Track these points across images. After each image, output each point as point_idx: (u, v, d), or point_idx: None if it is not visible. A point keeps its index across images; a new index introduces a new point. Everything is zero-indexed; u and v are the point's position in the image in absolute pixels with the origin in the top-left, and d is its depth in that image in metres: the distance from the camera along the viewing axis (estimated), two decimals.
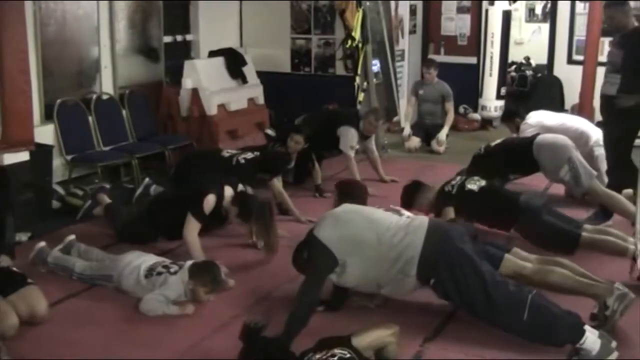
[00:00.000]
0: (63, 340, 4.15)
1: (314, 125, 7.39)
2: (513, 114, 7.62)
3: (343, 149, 7.28)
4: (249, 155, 6.28)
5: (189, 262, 4.69)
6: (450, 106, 9.14)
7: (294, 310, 3.92)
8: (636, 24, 6.07)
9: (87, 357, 3.94)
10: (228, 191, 5.34)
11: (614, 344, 3.67)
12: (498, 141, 6.72)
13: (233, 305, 4.56)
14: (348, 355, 3.36)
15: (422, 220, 4.17)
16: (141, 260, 4.80)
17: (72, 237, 5.30)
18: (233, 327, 4.04)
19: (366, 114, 7.59)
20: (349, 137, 7.27)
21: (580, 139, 6.65)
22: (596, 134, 6.71)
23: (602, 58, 9.07)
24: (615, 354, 3.65)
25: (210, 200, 5.22)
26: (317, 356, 3.38)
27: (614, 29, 6.36)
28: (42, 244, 5.18)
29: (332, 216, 4.21)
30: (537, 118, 7.14)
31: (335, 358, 3.35)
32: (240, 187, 5.53)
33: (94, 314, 4.54)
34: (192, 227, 5.19)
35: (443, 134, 8.91)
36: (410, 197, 5.64)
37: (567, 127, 6.82)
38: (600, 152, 6.48)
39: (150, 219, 5.58)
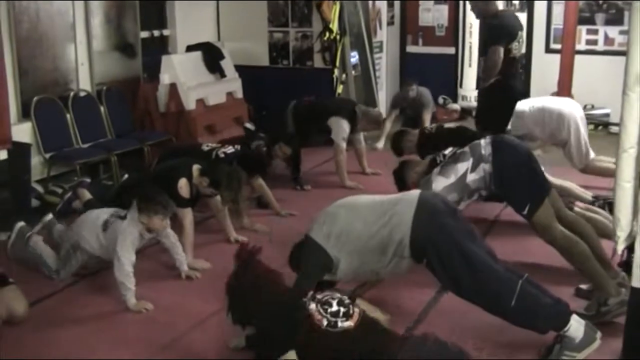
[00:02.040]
0: (43, 339, 4.13)
1: (304, 113, 7.40)
2: None
3: (335, 139, 7.21)
4: (229, 149, 6.26)
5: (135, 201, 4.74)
6: (427, 115, 9.05)
7: None
8: (500, 7, 6.23)
9: (67, 356, 3.93)
10: (195, 167, 5.35)
11: (598, 334, 3.68)
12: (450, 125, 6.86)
13: (213, 300, 4.55)
14: (347, 301, 3.46)
15: (411, 200, 3.94)
16: (95, 215, 4.90)
17: (50, 216, 5.31)
18: (213, 323, 4.06)
19: (367, 112, 7.55)
20: (341, 128, 7.21)
21: (561, 121, 6.48)
22: (578, 115, 6.63)
23: (580, 46, 9.19)
24: (597, 343, 3.66)
25: (183, 185, 5.23)
26: (319, 296, 3.45)
27: (478, 16, 6.61)
28: (22, 223, 5.20)
29: (322, 214, 4.12)
30: None
31: (337, 296, 3.45)
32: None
33: (74, 312, 4.53)
34: (188, 216, 5.26)
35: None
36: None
37: (544, 109, 6.71)
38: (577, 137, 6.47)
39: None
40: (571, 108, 6.59)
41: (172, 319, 4.38)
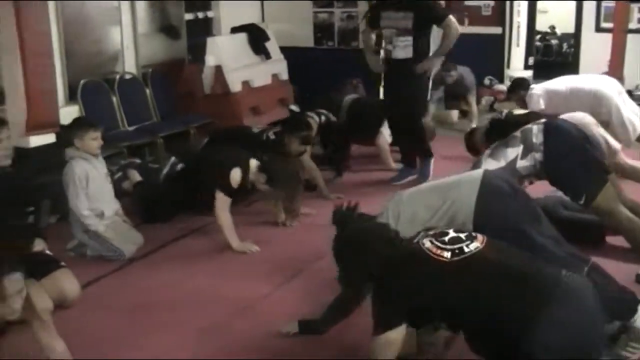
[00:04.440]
0: (90, 323, 4.12)
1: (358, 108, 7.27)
2: (516, 86, 7.40)
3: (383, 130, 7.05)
4: (279, 129, 6.20)
5: None
6: (471, 97, 8.84)
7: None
8: None
9: (113, 340, 3.92)
10: (253, 163, 5.28)
11: None
12: (521, 112, 6.48)
13: (261, 284, 4.50)
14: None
15: (473, 181, 3.75)
16: None
17: None
18: (261, 307, 3.99)
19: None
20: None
21: (598, 102, 6.33)
22: (616, 91, 6.43)
23: (632, 25, 8.93)
24: None
25: (236, 175, 5.17)
26: (431, 232, 3.13)
27: None
28: None
29: (386, 206, 3.98)
30: (544, 85, 6.92)
31: (450, 227, 3.19)
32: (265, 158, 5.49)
33: (121, 295, 4.52)
34: (223, 202, 5.14)
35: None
36: (473, 144, 5.87)
37: (579, 89, 6.51)
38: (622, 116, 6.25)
39: (175, 195, 5.56)
40: (608, 86, 6.40)
41: (219, 302, 4.33)
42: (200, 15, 8.74)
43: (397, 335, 2.98)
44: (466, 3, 10.60)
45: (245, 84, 8.23)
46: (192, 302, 4.35)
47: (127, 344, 3.86)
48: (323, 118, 6.83)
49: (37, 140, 5.99)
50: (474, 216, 3.62)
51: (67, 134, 5.15)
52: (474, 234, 3.09)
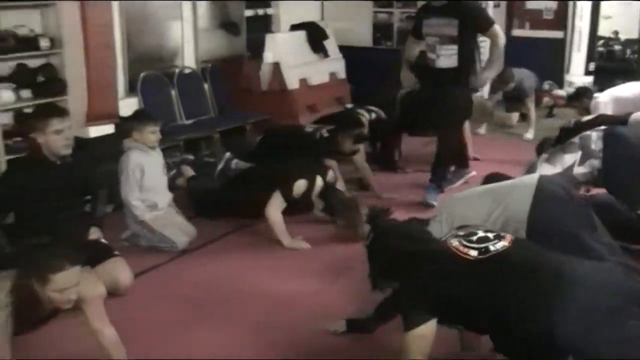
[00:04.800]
0: (143, 313, 4.19)
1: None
2: (580, 94, 7.27)
3: None
4: (331, 127, 6.21)
5: None
6: (530, 102, 8.62)
7: None
8: None
9: (163, 332, 3.96)
10: (319, 181, 5.31)
11: None
12: (589, 117, 6.38)
13: (309, 282, 4.52)
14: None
15: (528, 186, 3.71)
16: None
17: None
18: (307, 304, 4.01)
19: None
20: None
21: None
22: None
23: None
24: None
25: (301, 186, 5.21)
26: (460, 232, 3.12)
27: None
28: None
29: (438, 209, 3.94)
30: (610, 92, 6.78)
31: (479, 227, 3.15)
32: (330, 175, 5.51)
33: (173, 287, 4.59)
34: (277, 204, 5.18)
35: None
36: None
37: None
38: None
39: (234, 194, 5.61)
40: None
41: (267, 297, 4.37)
42: (260, 12, 8.81)
43: (429, 329, 2.97)
44: (527, 6, 10.48)
45: (303, 81, 8.26)
46: (241, 297, 4.39)
47: (175, 335, 3.91)
48: (373, 115, 6.82)
49: (97, 130, 6.10)
50: (528, 221, 3.58)
51: (127, 126, 5.27)
52: (502, 234, 3.07)
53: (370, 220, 3.51)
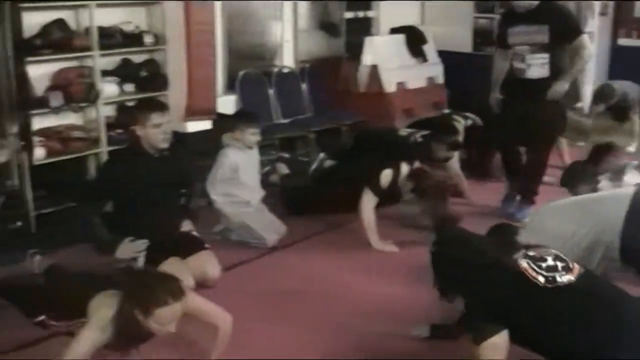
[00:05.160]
0: (226, 306, 4.21)
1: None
2: None
3: None
4: (426, 132, 6.17)
5: None
6: (634, 116, 8.02)
7: None
8: None
9: (243, 326, 3.99)
10: (404, 168, 5.29)
11: None
12: None
13: (395, 284, 4.50)
14: (564, 256, 3.12)
15: (621, 198, 3.60)
16: None
17: None
18: (393, 307, 3.97)
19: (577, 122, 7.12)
20: None
21: None
22: None
23: None
24: None
25: (386, 176, 5.20)
26: (531, 252, 3.10)
27: None
28: None
29: (529, 220, 3.90)
30: None
31: (551, 252, 3.11)
32: (416, 164, 5.48)
33: (259, 283, 4.65)
34: (369, 201, 5.18)
35: None
36: None
37: None
38: None
39: (323, 191, 5.66)
40: None
41: (352, 298, 4.37)
42: (361, 14, 8.82)
43: (502, 339, 2.95)
44: (636, 15, 10.17)
45: (400, 85, 8.23)
46: (325, 297, 4.42)
47: (255, 330, 3.94)
48: (469, 121, 6.74)
49: (194, 126, 6.25)
50: (622, 234, 3.48)
51: (229, 124, 5.35)
52: (570, 264, 3.05)
53: (436, 227, 3.49)
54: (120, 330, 3.10)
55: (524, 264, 3.02)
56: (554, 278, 2.95)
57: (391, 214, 5.66)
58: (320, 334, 3.95)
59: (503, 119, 5.95)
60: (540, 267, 3.00)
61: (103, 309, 3.11)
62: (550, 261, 3.03)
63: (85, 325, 3.12)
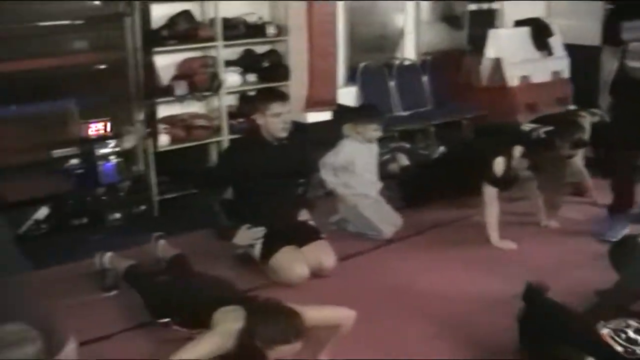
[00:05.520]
0: (340, 296, 4.20)
1: None
2: None
3: None
4: (550, 128, 5.99)
5: None
6: None
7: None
8: None
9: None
10: (517, 150, 5.15)
11: None
12: None
13: (513, 284, 4.37)
14: None
15: None
16: None
17: None
18: (504, 308, 3.84)
19: None
20: None
21: None
22: None
23: None
24: None
25: (499, 163, 5.08)
26: (611, 325, 3.13)
27: None
28: None
29: None
30: None
31: (632, 325, 3.12)
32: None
33: (373, 276, 4.61)
34: (490, 194, 5.05)
35: None
36: None
37: None
38: None
39: (440, 184, 5.60)
40: None
41: (464, 296, 4.28)
42: (485, 6, 8.65)
43: None
44: None
45: (524, 79, 8.03)
46: (438, 293, 4.34)
47: (366, 322, 3.89)
48: (596, 118, 6.49)
49: (314, 117, 6.29)
50: None
51: (351, 117, 5.35)
52: None
53: (525, 296, 3.44)
54: (240, 347, 3.10)
55: (604, 330, 3.10)
56: (633, 351, 3.01)
57: (508, 210, 5.53)
58: (426, 330, 3.89)
59: (614, 124, 5.60)
60: (620, 337, 3.07)
61: (229, 322, 3.14)
62: (631, 334, 3.07)
63: (209, 332, 3.17)
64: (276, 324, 3.03)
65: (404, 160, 6.26)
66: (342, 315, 3.39)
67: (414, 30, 7.88)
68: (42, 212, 5.27)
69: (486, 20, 8.66)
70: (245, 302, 3.30)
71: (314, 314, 3.20)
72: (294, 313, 3.09)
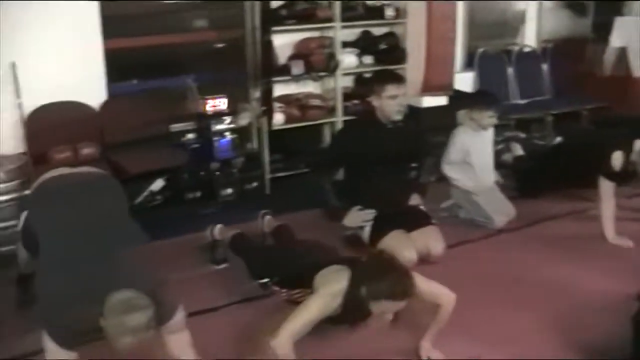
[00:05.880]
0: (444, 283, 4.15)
1: None
2: None
3: None
4: None
5: None
6: None
7: None
8: None
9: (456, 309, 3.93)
10: (637, 144, 4.93)
11: None
12: None
13: (626, 284, 4.19)
14: None
15: None
16: None
17: None
18: (618, 308, 3.67)
19: None
20: None
21: None
22: None
23: None
24: None
25: (617, 158, 4.88)
26: None
27: None
28: None
29: None
30: None
31: None
32: None
33: (480, 264, 4.53)
34: (607, 189, 4.86)
35: None
36: None
37: None
38: None
39: (555, 175, 5.44)
40: None
41: (575, 293, 4.11)
42: None
43: None
44: None
45: None
46: (546, 286, 4.20)
47: (470, 310, 3.80)
48: None
49: (430, 101, 6.22)
50: None
51: (467, 102, 5.28)
52: None
53: None
54: (345, 307, 3.13)
55: None
56: None
57: (627, 206, 5.33)
58: (539, 324, 3.77)
59: None
60: None
61: (333, 283, 3.17)
62: None
63: (314, 293, 3.19)
64: (384, 277, 3.02)
65: (518, 150, 6.14)
66: (445, 294, 3.36)
67: (535, 16, 7.68)
68: (158, 184, 5.42)
69: (612, 7, 8.34)
70: (349, 262, 3.30)
71: (421, 282, 3.19)
72: (404, 270, 3.09)
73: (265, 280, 3.75)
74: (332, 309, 3.13)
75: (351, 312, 3.16)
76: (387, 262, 3.13)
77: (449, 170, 5.19)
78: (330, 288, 3.15)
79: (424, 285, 3.23)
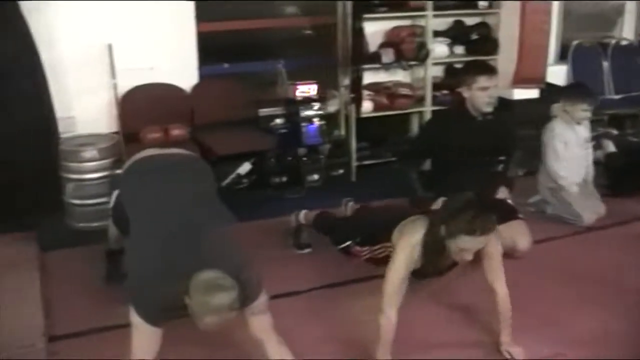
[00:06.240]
0: (518, 279, 4.00)
1: None
2: None
3: None
4: None
5: None
6: None
7: None
8: None
9: (537, 302, 3.86)
10: None
11: None
12: None
13: None
14: None
15: None
16: None
17: None
18: None
19: None
20: None
21: None
22: None
23: None
24: None
25: None
26: None
27: None
28: None
29: None
30: None
31: None
32: None
33: (564, 260, 4.43)
34: None
35: None
36: None
37: None
38: None
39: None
40: None
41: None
42: None
43: None
44: None
45: None
46: (633, 289, 4.05)
47: (550, 305, 3.81)
48: None
49: (521, 93, 6.13)
50: None
51: (561, 95, 5.17)
52: None
53: None
54: (424, 253, 3.20)
55: None
56: None
57: None
58: (617, 327, 3.64)
59: None
60: None
61: (410, 233, 3.25)
62: None
63: (395, 250, 3.26)
64: (461, 213, 3.06)
65: (610, 146, 5.97)
66: (502, 283, 3.37)
67: (635, 9, 7.44)
68: (245, 167, 5.50)
69: None
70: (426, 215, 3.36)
71: (494, 245, 3.33)
72: (482, 208, 3.13)
73: (348, 243, 3.85)
74: (414, 260, 3.20)
75: (431, 257, 3.22)
76: (465, 201, 3.16)
77: (557, 167, 5.07)
78: (409, 239, 3.23)
79: (496, 253, 3.37)
